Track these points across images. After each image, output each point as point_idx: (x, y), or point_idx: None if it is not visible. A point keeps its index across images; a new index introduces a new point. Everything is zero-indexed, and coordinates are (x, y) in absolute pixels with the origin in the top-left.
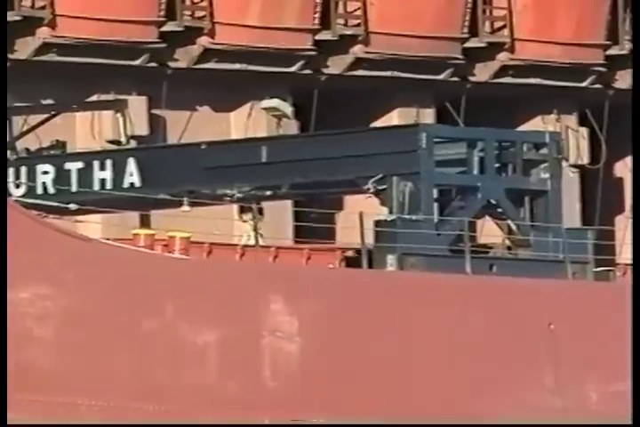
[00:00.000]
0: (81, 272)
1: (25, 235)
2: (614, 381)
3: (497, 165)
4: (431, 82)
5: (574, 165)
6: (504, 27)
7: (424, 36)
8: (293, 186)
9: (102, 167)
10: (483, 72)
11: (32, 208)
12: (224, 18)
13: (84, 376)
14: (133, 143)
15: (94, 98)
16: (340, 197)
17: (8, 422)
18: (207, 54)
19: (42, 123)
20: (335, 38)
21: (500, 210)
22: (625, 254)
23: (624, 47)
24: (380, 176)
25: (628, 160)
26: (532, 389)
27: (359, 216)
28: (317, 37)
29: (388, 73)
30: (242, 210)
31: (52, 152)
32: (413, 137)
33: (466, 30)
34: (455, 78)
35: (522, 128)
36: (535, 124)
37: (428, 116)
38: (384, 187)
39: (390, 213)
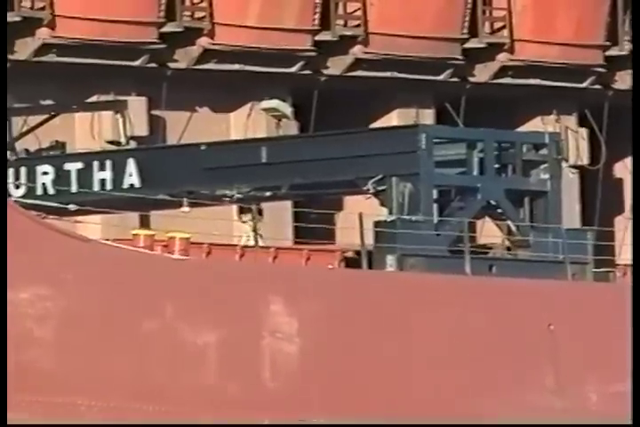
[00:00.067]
0: (81, 273)
1: (25, 235)
2: (614, 381)
3: (496, 165)
4: (431, 82)
5: (574, 166)
6: (504, 27)
7: (423, 36)
8: (293, 186)
9: (102, 168)
10: (482, 73)
11: (32, 209)
12: (224, 18)
13: (84, 377)
14: (133, 144)
15: (94, 98)
16: (339, 198)
17: (8, 423)
18: (207, 55)
19: (41, 123)
20: (335, 39)
21: (499, 211)
22: (625, 255)
23: (624, 48)
24: (379, 177)
25: (628, 161)
26: (532, 389)
27: (359, 217)
28: (317, 38)
29: (388, 74)
30: (241, 211)
31: (51, 153)
32: (413, 138)
33: (465, 31)
34: (455, 79)
35: (521, 129)
36: (535, 124)
37: (427, 116)
38: (384, 187)
39: (390, 213)
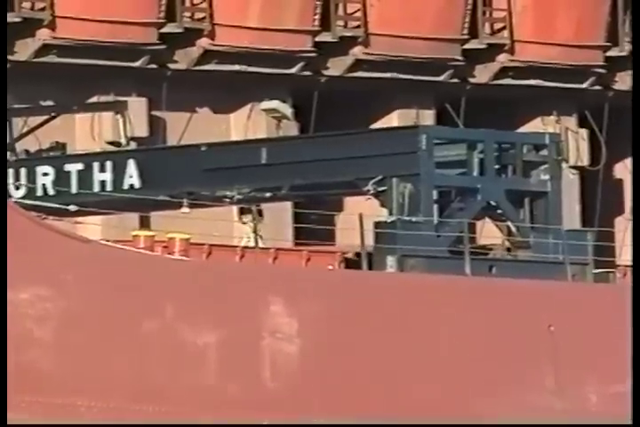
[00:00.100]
0: (81, 274)
1: (25, 236)
2: (614, 382)
3: (497, 166)
4: (431, 83)
5: (574, 167)
6: (504, 28)
7: (424, 37)
8: (293, 187)
9: (102, 169)
10: (482, 73)
11: (32, 210)
12: (224, 19)
13: (84, 377)
14: (133, 145)
15: (94, 99)
16: (339, 199)
17: (8, 423)
18: (207, 56)
19: (42, 124)
20: (335, 40)
21: (499, 211)
22: (625, 256)
23: (624, 48)
24: (379, 178)
25: (628, 162)
26: (532, 390)
27: (359, 218)
28: (317, 39)
29: (388, 74)
30: (241, 211)
31: (51, 154)
32: (413, 138)
33: (466, 32)
34: (455, 80)
35: (522, 129)
36: (535, 125)
37: (427, 117)
38: (384, 188)
39: (390, 214)
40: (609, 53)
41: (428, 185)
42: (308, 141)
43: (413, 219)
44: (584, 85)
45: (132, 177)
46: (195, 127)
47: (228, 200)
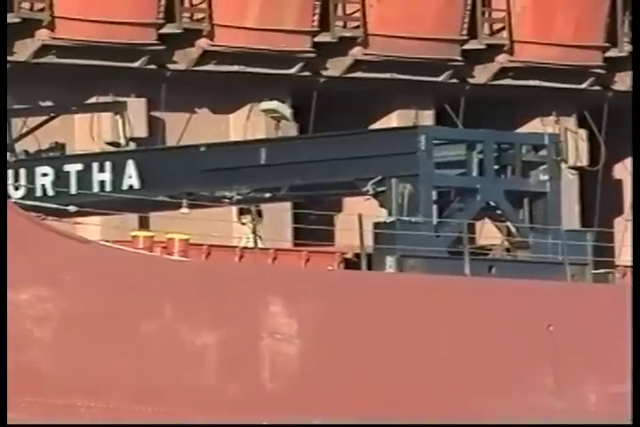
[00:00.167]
0: (80, 274)
1: (24, 237)
2: (614, 382)
3: (496, 166)
4: (430, 84)
5: (573, 167)
6: (503, 29)
7: (423, 37)
8: (292, 188)
9: (101, 169)
10: (482, 74)
11: (31, 210)
12: (223, 20)
13: (84, 378)
14: (132, 145)
15: (93, 100)
16: (339, 199)
17: (8, 423)
18: (206, 56)
19: (41, 125)
20: (334, 40)
21: (499, 212)
22: (624, 256)
23: (623, 49)
24: (379, 178)
25: (628, 162)
26: (532, 390)
27: (358, 218)
28: (316, 39)
29: (387, 75)
30: (241, 212)
31: (51, 154)
32: (412, 139)
33: (465, 32)
34: (454, 80)
35: (521, 130)
36: (534, 125)
37: (427, 117)
38: (383, 189)
39: (389, 215)
40: (608, 54)
41: (427, 185)
42: (307, 142)
43: (413, 219)
44: (583, 86)
45: (131, 177)
46: (194, 128)
47: (227, 201)
